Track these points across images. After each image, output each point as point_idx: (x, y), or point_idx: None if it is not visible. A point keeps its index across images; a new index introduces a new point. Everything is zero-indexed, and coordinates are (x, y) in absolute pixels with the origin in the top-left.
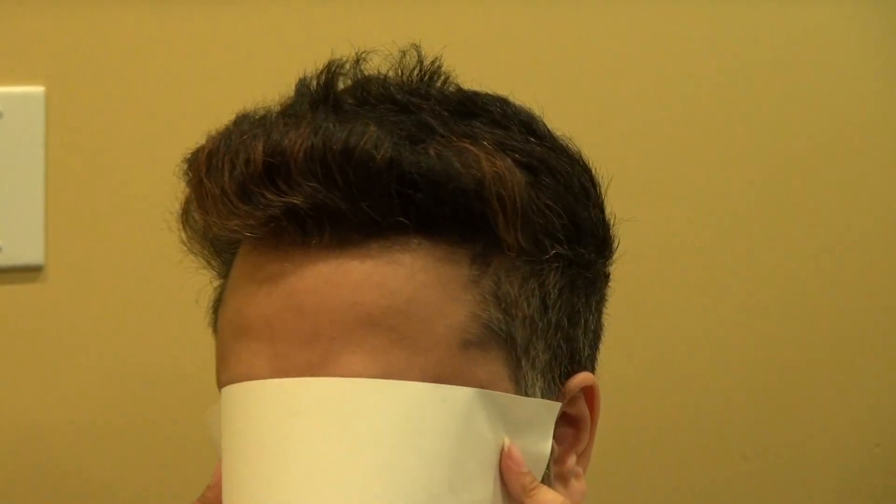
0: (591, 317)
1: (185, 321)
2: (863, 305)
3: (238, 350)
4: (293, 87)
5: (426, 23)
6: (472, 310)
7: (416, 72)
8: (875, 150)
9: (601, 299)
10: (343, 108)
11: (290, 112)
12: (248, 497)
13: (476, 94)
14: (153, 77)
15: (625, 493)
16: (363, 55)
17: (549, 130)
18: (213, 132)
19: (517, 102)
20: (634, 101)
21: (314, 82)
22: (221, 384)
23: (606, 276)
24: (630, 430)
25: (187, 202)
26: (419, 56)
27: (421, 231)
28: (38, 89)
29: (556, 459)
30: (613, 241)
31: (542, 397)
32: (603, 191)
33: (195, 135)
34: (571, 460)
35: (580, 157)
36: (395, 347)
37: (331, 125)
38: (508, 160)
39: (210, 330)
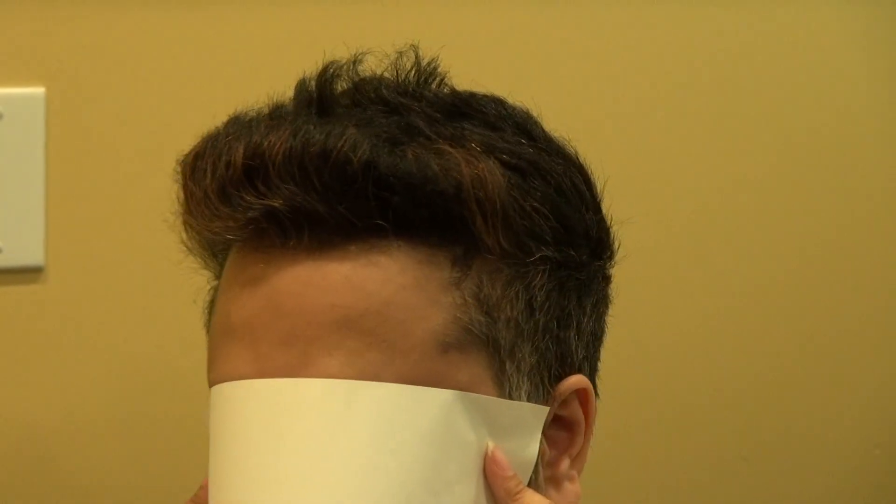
0: (586, 319)
1: (184, 322)
2: (863, 306)
3: (224, 351)
4: (293, 89)
5: (428, 23)
6: (453, 312)
7: (412, 73)
8: (875, 150)
9: (599, 301)
10: (333, 110)
11: (276, 114)
12: (230, 495)
13: (472, 95)
14: (153, 78)
15: (624, 494)
16: (361, 56)
17: (544, 132)
18: (208, 131)
19: (514, 103)
20: (634, 101)
21: (312, 83)
22: (210, 384)
23: (606, 278)
24: (630, 430)
25: (180, 203)
26: (416, 57)
27: (400, 233)
28: (38, 90)
29: (549, 462)
30: (613, 242)
31: (529, 400)
32: (601, 192)
33: (195, 136)
34: (565, 463)
35: (576, 158)
36: (372, 350)
37: (311, 127)
38: (491, 162)
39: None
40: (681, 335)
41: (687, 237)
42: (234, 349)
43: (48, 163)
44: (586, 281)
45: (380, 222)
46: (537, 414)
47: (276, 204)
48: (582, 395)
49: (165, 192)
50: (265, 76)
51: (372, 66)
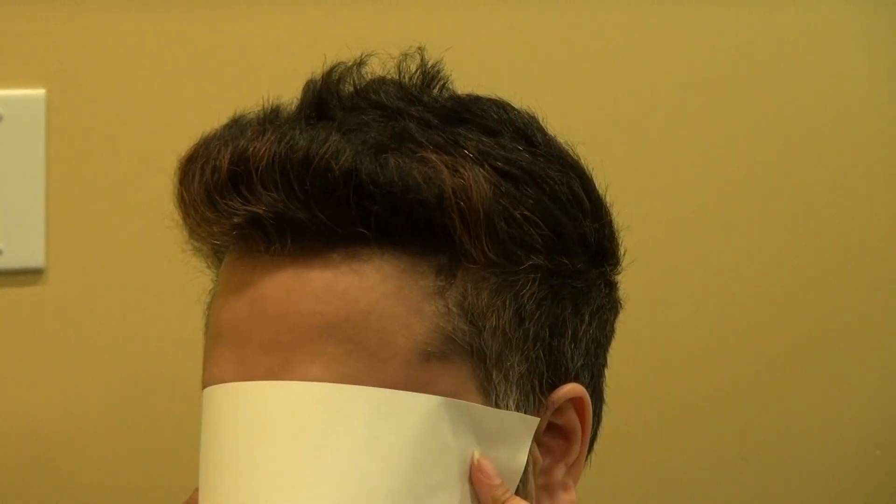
0: (584, 326)
1: (184, 323)
2: (862, 306)
3: (213, 354)
4: (293, 91)
5: (436, 25)
6: (436, 321)
7: (416, 75)
8: (877, 150)
9: (601, 308)
10: (332, 113)
11: (271, 117)
12: (216, 497)
13: (475, 99)
14: (154, 80)
15: (624, 494)
16: (366, 58)
17: (546, 137)
18: (203, 134)
19: (518, 108)
20: (640, 103)
21: (317, 84)
22: (202, 386)
23: (609, 284)
24: (629, 430)
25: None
26: (422, 59)
27: (382, 242)
28: (38, 92)
29: (543, 470)
30: (616, 248)
31: (518, 409)
32: (604, 198)
33: (194, 138)
34: (559, 472)
35: (578, 164)
36: (352, 358)
37: (297, 133)
38: (479, 170)
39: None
40: (680, 335)
41: (685, 238)
42: (221, 352)
43: (49, 164)
44: (584, 289)
45: (361, 230)
46: (527, 423)
47: (259, 210)
48: (577, 404)
49: (165, 194)
50: (265, 77)
51: (378, 68)
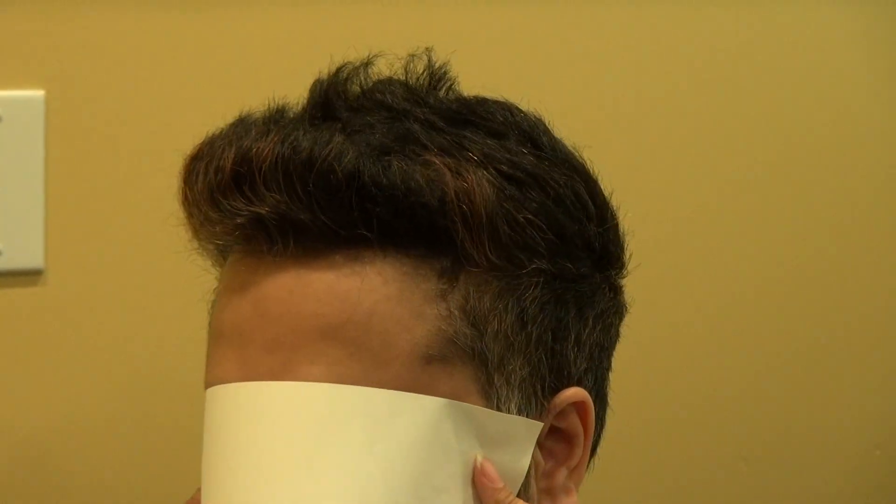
0: (587, 330)
1: (184, 324)
2: (862, 307)
3: (216, 354)
4: (295, 91)
5: (443, 26)
6: (437, 324)
7: (423, 76)
8: (879, 151)
9: (605, 312)
10: (337, 114)
11: (276, 118)
12: (217, 497)
13: (481, 101)
14: (153, 81)
15: (624, 494)
16: (373, 58)
17: (552, 140)
18: (208, 133)
19: (524, 110)
20: (647, 108)
21: (324, 84)
22: (205, 386)
23: (614, 288)
24: (629, 431)
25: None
26: (429, 60)
27: (385, 244)
28: (37, 93)
29: (545, 473)
30: (622, 252)
31: (520, 412)
32: (610, 202)
33: (194, 139)
34: (562, 475)
35: (584, 168)
36: (353, 359)
37: (300, 134)
38: (482, 174)
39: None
40: (680, 336)
41: (686, 239)
42: (224, 352)
43: (48, 165)
44: (588, 293)
45: (364, 232)
46: (530, 427)
47: (262, 211)
48: (580, 408)
49: (165, 194)
50: (266, 78)
51: (385, 68)
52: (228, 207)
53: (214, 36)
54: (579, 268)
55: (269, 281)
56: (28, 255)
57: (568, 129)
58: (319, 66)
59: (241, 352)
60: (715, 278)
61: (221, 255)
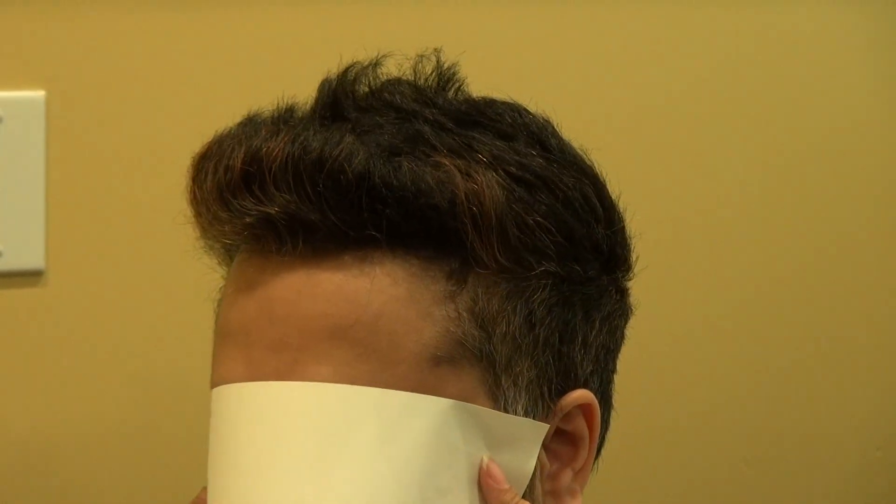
0: (594, 333)
1: (186, 325)
2: (863, 308)
3: (222, 353)
4: (297, 92)
5: (451, 27)
6: (446, 326)
7: (432, 77)
8: (878, 151)
9: (611, 314)
10: (345, 114)
11: (285, 117)
12: (225, 497)
13: (489, 102)
14: (154, 82)
15: (627, 497)
16: (382, 59)
17: (561, 142)
18: (217, 132)
19: (532, 112)
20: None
21: (333, 84)
22: (211, 386)
23: (621, 291)
24: (631, 433)
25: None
26: (438, 61)
27: (394, 245)
28: (38, 94)
29: (551, 475)
30: (629, 255)
31: (527, 414)
32: (617, 204)
33: (195, 140)
34: (567, 477)
35: (592, 170)
36: (361, 361)
37: (310, 134)
38: (492, 175)
39: (209, 334)
40: (681, 338)
41: (686, 240)
42: (230, 352)
43: (48, 166)
44: (595, 295)
45: (373, 233)
46: (536, 429)
47: (271, 211)
48: (586, 410)
49: (166, 195)
50: (267, 79)
51: (393, 69)
52: (238, 207)
53: (215, 36)
54: (587, 270)
55: (278, 281)
56: (28, 255)
57: (575, 131)
58: (324, 66)
59: (248, 352)
60: (716, 280)
61: (228, 254)
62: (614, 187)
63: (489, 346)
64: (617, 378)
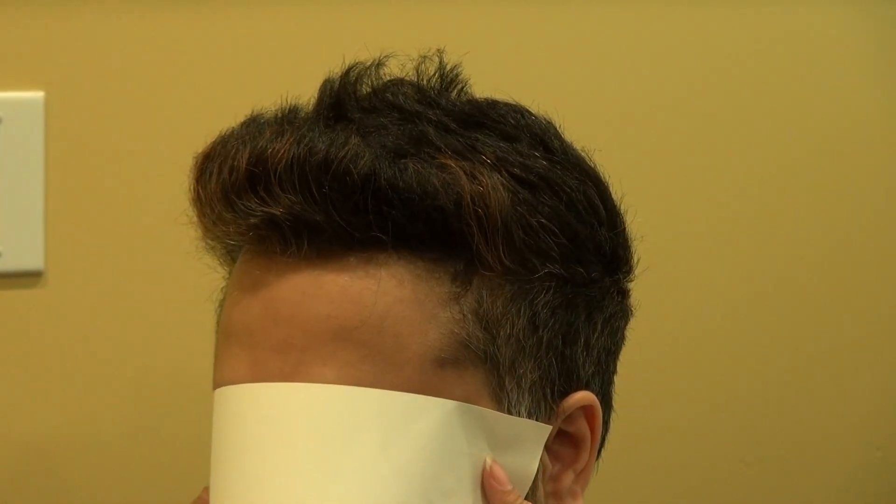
0: (596, 334)
1: (186, 326)
2: (863, 308)
3: (225, 354)
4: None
5: (453, 28)
6: (451, 328)
7: (434, 78)
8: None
9: (613, 316)
10: (348, 114)
11: (289, 118)
12: (228, 498)
13: (492, 104)
14: (153, 83)
15: (626, 498)
16: (384, 59)
17: (563, 144)
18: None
19: (536, 113)
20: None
21: (335, 84)
22: (214, 386)
23: (622, 292)
24: (630, 433)
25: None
26: (440, 62)
27: (399, 247)
28: (37, 95)
29: (552, 477)
30: (631, 257)
31: (530, 416)
32: (620, 207)
33: (195, 140)
34: (568, 478)
35: (594, 172)
36: (366, 362)
37: (315, 135)
38: (497, 178)
39: (209, 335)
40: (680, 338)
41: (685, 240)
42: (233, 353)
43: (47, 167)
44: (598, 297)
45: (379, 235)
46: (539, 431)
47: (276, 212)
48: (588, 412)
49: (165, 196)
50: (265, 80)
51: (396, 69)
52: (242, 208)
53: (215, 36)
54: (590, 272)
55: (282, 282)
56: (28, 256)
57: (577, 132)
58: (325, 65)
59: (252, 352)
60: (716, 281)
61: (230, 254)
62: (616, 189)
63: (493, 347)
64: (617, 379)
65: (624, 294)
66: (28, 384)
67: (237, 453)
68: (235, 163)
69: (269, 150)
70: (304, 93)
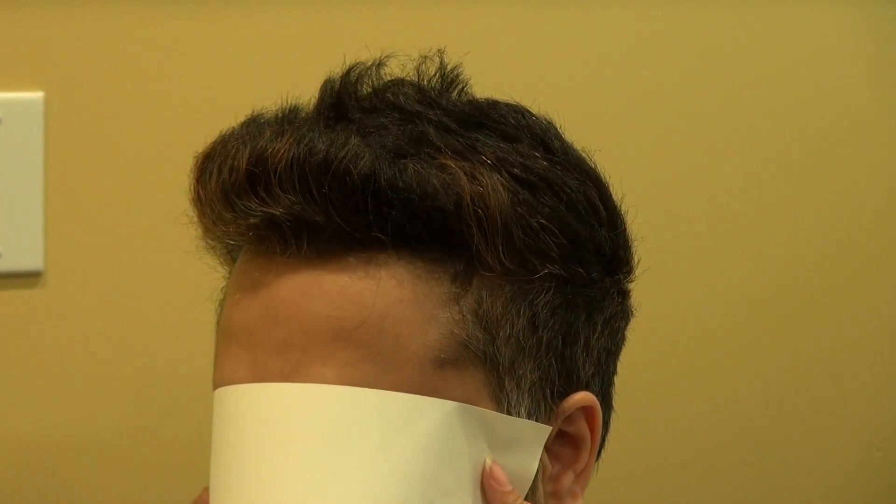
0: (596, 335)
1: (185, 326)
2: (863, 308)
3: (225, 354)
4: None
5: (454, 28)
6: (450, 328)
7: (435, 78)
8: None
9: (613, 316)
10: (349, 114)
11: (289, 118)
12: (228, 498)
13: (493, 104)
14: (152, 83)
15: (625, 498)
16: (385, 59)
17: (564, 144)
18: (221, 132)
19: (536, 114)
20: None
21: (336, 84)
22: (214, 387)
23: (622, 293)
24: (630, 433)
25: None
26: (441, 62)
27: (399, 247)
28: (37, 95)
29: (552, 477)
30: (632, 258)
31: (530, 416)
32: (620, 207)
33: (194, 140)
34: (568, 479)
35: (595, 172)
36: (366, 362)
37: (315, 136)
38: (497, 178)
39: (209, 335)
40: (680, 339)
41: (685, 240)
42: (233, 353)
43: (47, 167)
44: (598, 297)
45: (378, 235)
46: (539, 432)
47: (276, 212)
48: (588, 412)
49: (165, 196)
50: (265, 80)
51: (397, 69)
52: (242, 208)
53: (215, 36)
54: (590, 273)
55: (282, 282)
56: (27, 256)
57: (578, 132)
58: (326, 65)
59: (251, 352)
60: (716, 281)
61: (229, 254)
62: (616, 189)
63: (493, 348)
64: (617, 379)
65: (624, 295)
66: (28, 384)
67: (237, 453)
68: (235, 163)
69: (270, 150)
70: (305, 93)
